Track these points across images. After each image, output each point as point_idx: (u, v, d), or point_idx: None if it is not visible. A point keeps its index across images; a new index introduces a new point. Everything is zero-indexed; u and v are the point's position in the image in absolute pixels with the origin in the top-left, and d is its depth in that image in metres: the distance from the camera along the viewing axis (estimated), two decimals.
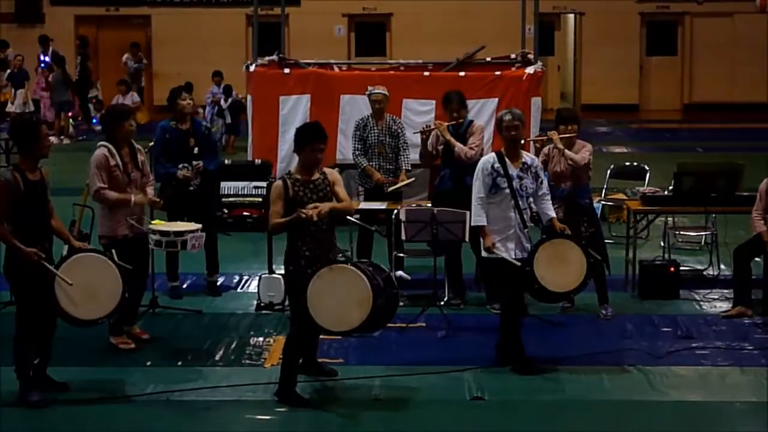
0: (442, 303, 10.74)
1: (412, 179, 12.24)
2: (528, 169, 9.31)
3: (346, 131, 13.88)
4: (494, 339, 9.36)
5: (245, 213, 14.49)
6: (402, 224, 10.63)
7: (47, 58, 25.42)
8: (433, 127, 11.26)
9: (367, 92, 12.25)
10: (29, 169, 8.42)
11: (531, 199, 9.39)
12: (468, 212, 9.67)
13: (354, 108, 14.27)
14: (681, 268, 11.71)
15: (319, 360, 9.16)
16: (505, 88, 14.59)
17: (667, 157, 17.80)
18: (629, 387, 8.89)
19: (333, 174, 8.64)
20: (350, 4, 29.16)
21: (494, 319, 9.57)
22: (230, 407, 8.46)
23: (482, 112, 14.34)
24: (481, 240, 9.35)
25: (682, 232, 13.23)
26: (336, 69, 16.39)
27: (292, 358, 8.55)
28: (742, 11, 28.11)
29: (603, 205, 13.97)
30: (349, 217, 10.18)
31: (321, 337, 9.06)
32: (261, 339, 10.06)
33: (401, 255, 11.72)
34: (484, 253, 9.42)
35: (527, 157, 9.42)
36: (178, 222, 10.53)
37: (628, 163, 15.22)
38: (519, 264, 9.02)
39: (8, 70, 24.52)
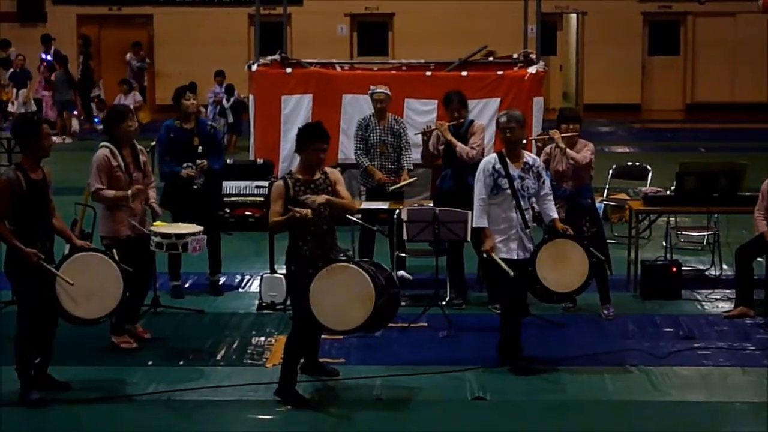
0: (443, 303, 10.74)
1: (414, 179, 12.23)
2: (529, 170, 9.29)
3: (348, 131, 13.87)
4: (496, 339, 9.35)
5: (247, 212, 14.49)
6: (404, 224, 10.63)
7: (49, 57, 25.42)
8: (434, 127, 11.26)
9: (370, 92, 12.26)
10: (31, 168, 8.42)
11: (533, 200, 9.37)
12: (470, 212, 9.66)
13: (356, 108, 14.26)
14: (683, 268, 11.71)
15: (321, 360, 9.15)
16: (507, 88, 14.57)
17: (669, 157, 17.78)
18: (631, 387, 8.89)
19: (334, 173, 8.64)
20: (352, 4, 29.17)
21: (496, 319, 9.57)
22: (232, 407, 8.45)
23: (484, 111, 14.33)
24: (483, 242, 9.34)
25: (684, 232, 13.23)
26: (338, 68, 16.37)
27: (292, 357, 8.55)
28: (744, 11, 28.11)
29: (605, 205, 13.97)
30: (350, 217, 10.18)
31: (322, 336, 9.07)
32: (262, 339, 10.06)
33: (403, 255, 11.71)
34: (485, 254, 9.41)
35: (529, 157, 9.40)
36: (180, 224, 10.53)
37: (630, 163, 15.22)
38: (512, 274, 9.01)
39: (11, 70, 24.51)
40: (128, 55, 27.19)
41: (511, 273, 8.99)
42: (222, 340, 9.99)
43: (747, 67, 28.84)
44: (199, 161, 11.23)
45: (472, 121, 11.34)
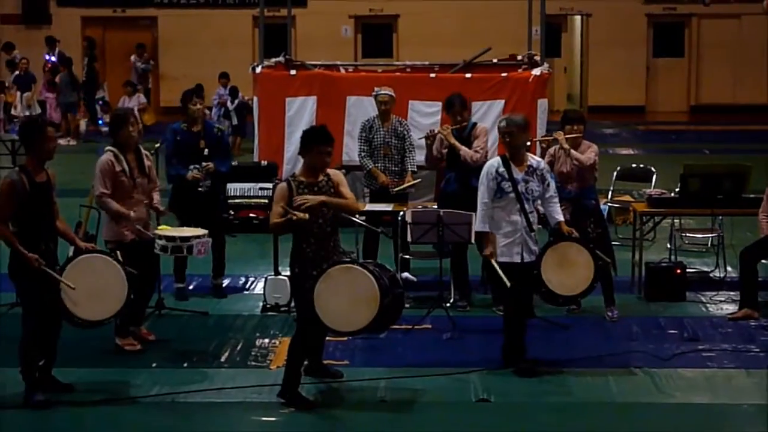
0: (447, 305, 10.73)
1: (418, 180, 12.22)
2: (533, 172, 9.27)
3: (353, 133, 13.87)
4: (500, 341, 9.35)
5: (251, 214, 14.49)
6: (408, 226, 10.63)
7: (53, 58, 25.44)
8: (437, 132, 11.26)
9: (374, 93, 12.26)
10: (35, 170, 8.42)
11: (538, 202, 9.36)
12: (474, 214, 9.65)
13: (360, 109, 14.26)
14: (687, 270, 11.69)
15: (325, 362, 9.16)
16: (512, 90, 14.57)
17: (673, 158, 17.78)
18: (635, 389, 8.88)
19: (337, 175, 8.64)
20: (357, 6, 29.17)
21: (500, 321, 9.55)
22: (235, 409, 8.45)
23: (489, 113, 14.33)
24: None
25: (688, 234, 13.21)
26: (342, 70, 16.38)
27: (296, 359, 8.55)
28: (749, 12, 28.13)
29: (609, 207, 13.95)
30: (355, 219, 10.18)
31: (327, 338, 9.07)
32: (266, 340, 10.06)
33: (407, 257, 11.71)
34: None
35: (533, 159, 9.38)
36: (185, 227, 10.53)
37: (634, 165, 15.20)
38: (509, 284, 9.01)
39: (16, 72, 24.53)
40: (132, 57, 27.22)
41: (508, 283, 8.99)
42: (226, 342, 9.99)
43: (752, 69, 28.83)
44: (204, 164, 11.23)
45: (474, 124, 11.33)
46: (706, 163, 15.51)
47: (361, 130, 12.22)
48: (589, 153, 10.62)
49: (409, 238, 10.77)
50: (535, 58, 15.78)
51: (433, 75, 15.19)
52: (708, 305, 11.17)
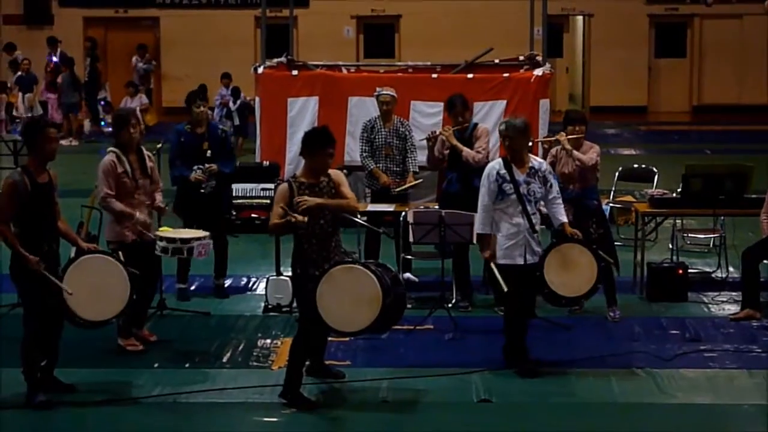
0: (449, 305, 10.73)
1: (420, 180, 12.22)
2: (535, 174, 9.26)
3: (354, 133, 13.86)
4: (502, 341, 9.35)
5: (253, 215, 14.50)
6: (410, 226, 10.63)
7: (55, 59, 25.44)
8: (438, 133, 11.26)
9: (375, 94, 12.26)
10: (37, 171, 8.43)
11: (540, 204, 9.34)
12: (476, 214, 9.65)
13: (362, 110, 14.26)
14: (689, 270, 11.70)
15: (327, 362, 9.16)
16: (514, 91, 14.57)
17: (675, 159, 17.78)
18: (637, 389, 8.87)
19: (338, 175, 8.64)
20: (359, 6, 29.17)
21: (502, 322, 9.56)
22: (237, 409, 8.46)
23: (490, 114, 14.32)
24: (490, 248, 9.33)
25: (690, 235, 13.21)
26: (344, 71, 16.37)
27: (298, 359, 8.55)
28: (751, 13, 28.10)
29: (611, 207, 13.95)
30: (356, 219, 10.17)
31: (329, 338, 9.07)
32: (268, 341, 10.06)
33: (409, 257, 11.71)
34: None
35: (534, 161, 9.37)
36: (186, 229, 10.53)
37: (636, 165, 15.18)
38: (506, 289, 9.01)
39: (18, 73, 24.53)
40: (134, 58, 27.22)
41: (506, 288, 8.99)
42: (228, 343, 10.00)
43: (753, 69, 28.83)
44: (207, 165, 11.24)
45: (476, 125, 11.34)
46: (707, 163, 15.49)
47: (362, 130, 12.22)
48: (590, 153, 10.61)
49: (411, 239, 10.77)
50: (537, 58, 15.77)
51: (434, 75, 15.17)
52: (710, 306, 11.17)
